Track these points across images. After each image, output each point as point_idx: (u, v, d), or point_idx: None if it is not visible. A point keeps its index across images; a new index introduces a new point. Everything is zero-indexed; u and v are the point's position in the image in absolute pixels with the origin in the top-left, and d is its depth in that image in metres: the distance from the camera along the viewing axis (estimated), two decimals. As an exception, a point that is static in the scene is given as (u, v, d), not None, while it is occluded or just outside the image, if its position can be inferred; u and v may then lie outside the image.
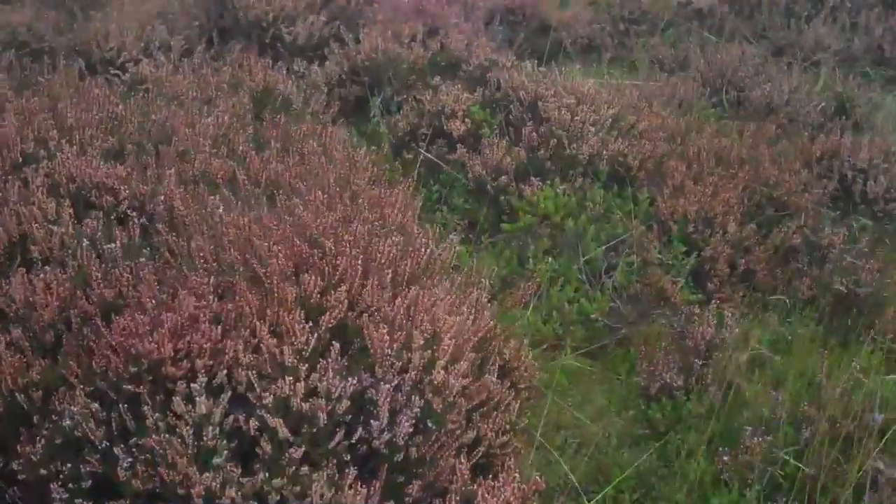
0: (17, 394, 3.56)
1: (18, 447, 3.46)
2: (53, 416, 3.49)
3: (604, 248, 5.42)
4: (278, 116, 5.95)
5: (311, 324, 3.62)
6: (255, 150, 5.43)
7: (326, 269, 3.87)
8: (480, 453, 3.75)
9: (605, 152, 5.79)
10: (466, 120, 6.22)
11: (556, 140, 5.82)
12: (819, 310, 5.25)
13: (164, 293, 3.82)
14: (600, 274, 5.33)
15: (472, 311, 4.12)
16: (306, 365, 3.50)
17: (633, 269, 5.31)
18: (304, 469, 3.37)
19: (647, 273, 5.27)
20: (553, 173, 5.77)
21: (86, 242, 4.25)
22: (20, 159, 4.95)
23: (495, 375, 3.99)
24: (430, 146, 6.25)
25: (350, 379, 3.50)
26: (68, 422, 3.44)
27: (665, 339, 4.84)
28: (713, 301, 5.15)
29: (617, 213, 5.61)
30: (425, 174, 6.11)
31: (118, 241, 4.21)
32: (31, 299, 3.91)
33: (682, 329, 4.81)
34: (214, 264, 3.91)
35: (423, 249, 4.11)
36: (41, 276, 3.98)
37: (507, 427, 3.92)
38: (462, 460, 3.56)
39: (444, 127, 6.20)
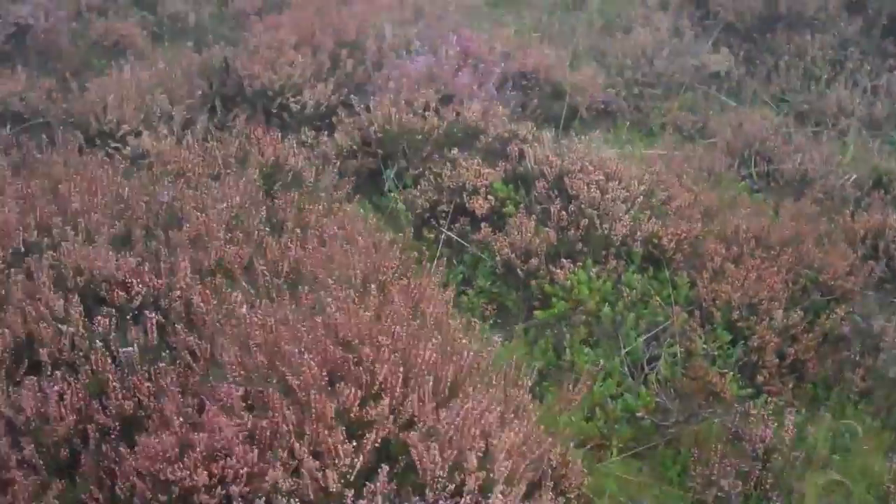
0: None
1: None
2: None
3: (644, 337, 5.10)
4: (290, 194, 5.62)
5: (354, 442, 3.29)
6: (270, 232, 5.10)
7: (364, 377, 3.54)
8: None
9: (638, 232, 5.48)
10: (489, 197, 5.90)
11: (587, 220, 5.50)
12: (875, 402, 4.94)
13: (189, 405, 3.48)
14: (642, 366, 5.00)
15: (517, 415, 3.81)
16: (352, 490, 3.16)
17: (677, 360, 4.98)
18: None
19: (691, 364, 4.94)
20: (585, 255, 5.45)
21: (98, 344, 3.92)
22: (22, 248, 4.61)
23: (550, 493, 3.66)
24: (451, 224, 5.92)
25: (403, 508, 3.17)
26: (87, 557, 3.09)
27: (718, 440, 4.49)
28: (763, 395, 4.84)
29: (654, 298, 5.29)
30: (447, 254, 5.78)
31: (135, 344, 3.87)
32: (42, 410, 3.56)
33: (737, 429, 4.47)
34: (241, 371, 3.57)
35: (465, 353, 3.78)
36: (53, 385, 3.63)
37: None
38: None
39: (466, 204, 5.88)
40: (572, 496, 3.93)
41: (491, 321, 5.40)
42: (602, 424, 4.70)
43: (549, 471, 3.76)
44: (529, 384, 4.13)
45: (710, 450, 4.45)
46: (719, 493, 4.28)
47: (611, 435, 4.68)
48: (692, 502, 4.39)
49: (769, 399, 4.78)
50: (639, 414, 4.74)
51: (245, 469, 3.15)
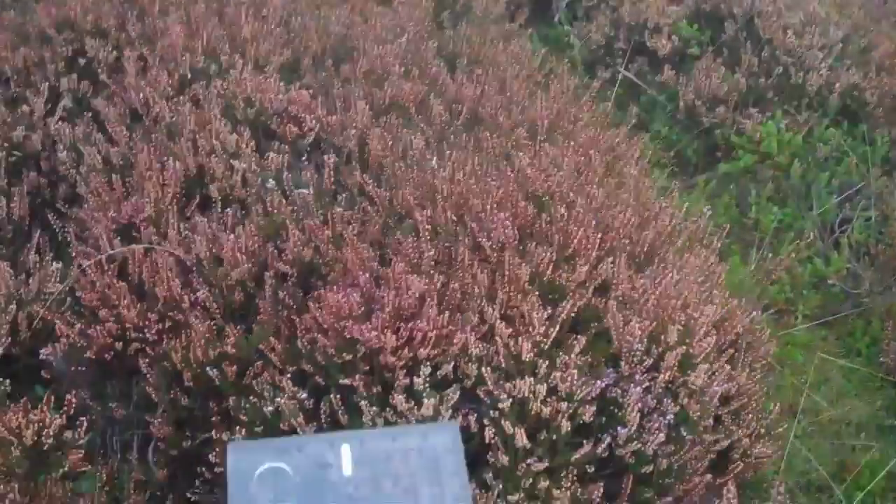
0: (207, 367, 3.09)
1: (213, 433, 3.02)
2: (251, 398, 3.03)
3: (837, 198, 4.74)
4: (462, 25, 5.31)
5: (548, 309, 3.08)
6: (445, 67, 4.81)
7: (557, 238, 3.31)
8: (736, 465, 3.22)
9: (836, 84, 5.05)
10: (672, 37, 5.50)
11: (780, 67, 5.09)
12: None
13: (372, 258, 3.30)
14: (833, 228, 4.67)
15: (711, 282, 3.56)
16: (545, 361, 2.97)
17: (872, 224, 4.63)
18: (544, 482, 2.88)
19: (888, 230, 4.58)
20: (775, 106, 5.06)
21: (271, 182, 3.75)
22: (189, 74, 4.42)
23: (748, 368, 3.44)
24: (628, 64, 5.56)
25: (598, 382, 2.97)
26: (270, 408, 2.99)
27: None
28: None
29: (850, 156, 4.90)
30: (622, 96, 5.45)
31: (310, 186, 3.69)
32: (215, 251, 3.43)
33: (938, 304, 4.16)
34: (427, 225, 3.36)
35: (668, 219, 3.51)
36: (227, 228, 3.48)
37: (762, 431, 3.38)
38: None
39: (647, 43, 5.50)
40: (758, 366, 3.69)
41: (668, 170, 5.11)
42: (788, 290, 4.42)
43: (743, 344, 3.53)
44: (718, 246, 3.87)
45: (904, 324, 4.17)
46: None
47: (797, 301, 4.41)
48: (882, 378, 4.13)
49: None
50: (829, 280, 4.44)
51: (434, 332, 2.98)
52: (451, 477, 0.53)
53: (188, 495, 3.09)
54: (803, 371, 4.18)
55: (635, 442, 2.99)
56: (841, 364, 4.23)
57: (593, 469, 2.99)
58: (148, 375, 3.13)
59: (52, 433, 2.74)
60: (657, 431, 3.02)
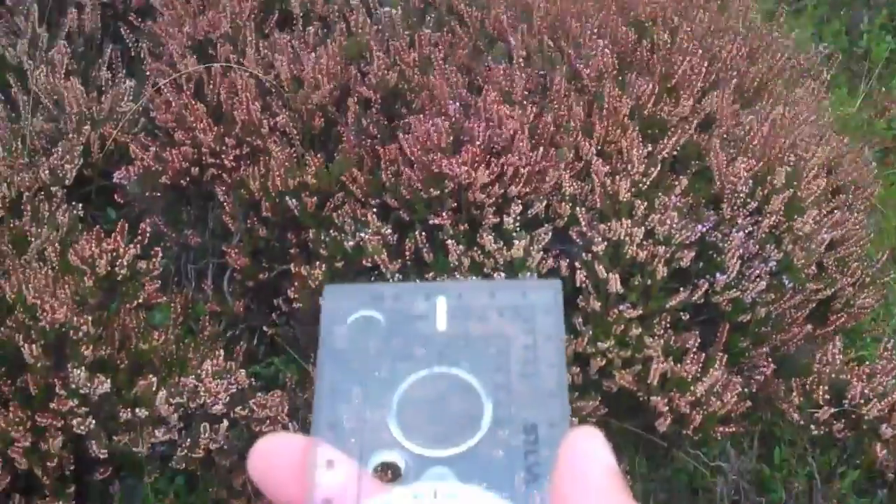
0: (286, 196, 2.96)
1: (292, 267, 2.91)
2: (332, 232, 2.90)
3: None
4: None
5: (648, 146, 2.89)
6: None
7: (659, 68, 3.08)
8: (838, 315, 3.07)
9: None
10: None
11: None
12: None
13: (461, 84, 3.10)
14: (950, 60, 4.36)
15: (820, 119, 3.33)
16: (644, 202, 2.80)
17: None
18: (636, 330, 2.75)
19: None
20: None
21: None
22: None
23: (855, 212, 3.24)
24: None
25: (698, 225, 2.80)
26: (351, 242, 2.86)
27: None
28: None
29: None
30: None
31: (397, 3, 3.46)
32: (295, 72, 3.25)
33: None
34: (521, 52, 3.14)
35: (779, 53, 3.25)
36: (308, 48, 3.29)
37: (867, 280, 3.20)
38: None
39: None
40: (862, 207, 3.49)
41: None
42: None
43: (851, 187, 3.32)
44: (827, 79, 3.62)
45: None
46: None
47: (905, 137, 4.15)
48: None
49: None
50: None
51: (527, 168, 2.80)
52: (547, 342, 0.46)
53: (264, 328, 3.02)
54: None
55: (733, 289, 2.84)
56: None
57: (688, 317, 2.85)
58: (224, 203, 3.01)
59: (125, 263, 2.64)
60: (757, 279, 2.86)
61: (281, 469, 0.51)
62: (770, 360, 2.90)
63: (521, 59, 3.04)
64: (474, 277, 2.69)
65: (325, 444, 0.51)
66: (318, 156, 3.03)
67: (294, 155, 3.06)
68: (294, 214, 2.94)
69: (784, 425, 3.09)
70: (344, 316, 0.56)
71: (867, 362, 2.95)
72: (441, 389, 0.53)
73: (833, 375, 2.77)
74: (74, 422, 2.45)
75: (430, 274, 2.78)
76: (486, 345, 0.55)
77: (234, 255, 2.97)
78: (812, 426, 2.76)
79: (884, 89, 3.93)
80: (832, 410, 2.72)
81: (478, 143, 2.78)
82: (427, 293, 0.58)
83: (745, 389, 2.80)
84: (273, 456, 0.52)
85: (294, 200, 2.91)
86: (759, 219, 2.88)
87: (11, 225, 2.83)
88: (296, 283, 2.84)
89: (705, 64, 3.03)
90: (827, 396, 2.75)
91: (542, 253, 2.73)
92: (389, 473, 0.50)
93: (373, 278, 2.81)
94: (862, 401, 2.73)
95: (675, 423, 2.75)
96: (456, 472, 0.50)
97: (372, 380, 0.54)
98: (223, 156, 3.01)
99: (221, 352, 2.74)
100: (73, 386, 2.44)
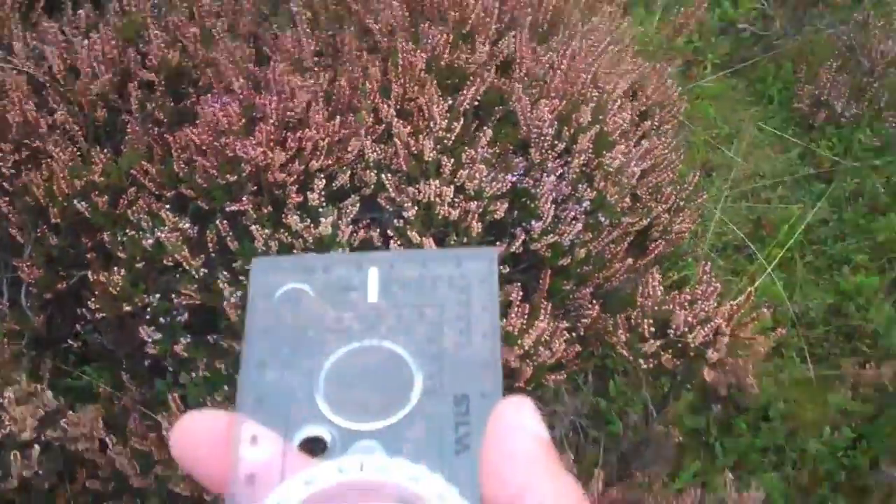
0: (74, 199, 2.76)
1: (90, 274, 2.74)
2: (128, 231, 2.73)
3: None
4: None
5: (448, 100, 2.80)
6: None
7: (452, 14, 2.98)
8: (656, 243, 3.07)
9: None
10: None
11: None
12: None
13: (247, 58, 2.95)
14: (741, -35, 4.38)
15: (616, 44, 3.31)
16: (450, 158, 2.72)
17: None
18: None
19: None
20: None
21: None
22: None
23: (663, 135, 3.24)
24: None
25: (508, 175, 2.74)
26: (150, 240, 2.70)
27: (829, 54, 3.98)
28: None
29: None
30: None
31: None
32: (70, 62, 3.03)
33: (851, 41, 3.95)
34: (307, 13, 2.99)
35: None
36: (81, 34, 3.07)
37: (681, 203, 3.21)
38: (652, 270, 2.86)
39: None
40: (668, 126, 3.49)
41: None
42: (696, 38, 4.17)
43: (657, 110, 3.31)
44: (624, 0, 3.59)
45: (817, 65, 3.97)
46: (827, 113, 3.85)
47: (705, 50, 4.17)
48: (796, 123, 3.97)
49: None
50: (739, 24, 4.19)
51: (326, 140, 2.68)
52: (482, 312, 0.45)
53: (69, 341, 2.85)
54: (714, 126, 4.00)
55: (551, 234, 2.80)
56: (753, 112, 4.04)
57: (508, 269, 2.80)
58: (9, 214, 2.80)
59: None
60: (573, 220, 2.82)
61: (203, 446, 0.50)
62: (594, 299, 2.88)
63: (306, 22, 2.90)
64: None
65: (250, 420, 0.50)
66: (105, 151, 2.84)
67: (78, 153, 2.85)
68: (86, 216, 2.75)
69: (616, 357, 3.09)
70: (272, 289, 0.55)
71: (689, 285, 2.95)
72: (371, 362, 0.53)
73: (656, 308, 2.76)
74: None
75: (237, 263, 2.65)
76: (419, 316, 0.54)
77: (26, 268, 2.77)
78: (641, 360, 2.75)
79: (682, 9, 3.91)
80: (658, 343, 2.72)
81: (271, 120, 2.64)
82: (358, 264, 0.56)
83: (573, 334, 2.78)
84: (195, 432, 0.51)
85: (83, 202, 2.73)
86: (569, 159, 2.83)
87: None
88: (96, 292, 2.67)
89: (497, 4, 2.94)
90: (653, 329, 2.74)
91: (351, 226, 2.63)
92: (316, 448, 0.50)
93: (177, 276, 2.66)
94: (686, 328, 2.73)
95: (507, 377, 2.70)
96: (384, 444, 0.50)
97: (300, 354, 0.53)
98: (0, 164, 2.79)
99: (23, 375, 2.56)
100: None
